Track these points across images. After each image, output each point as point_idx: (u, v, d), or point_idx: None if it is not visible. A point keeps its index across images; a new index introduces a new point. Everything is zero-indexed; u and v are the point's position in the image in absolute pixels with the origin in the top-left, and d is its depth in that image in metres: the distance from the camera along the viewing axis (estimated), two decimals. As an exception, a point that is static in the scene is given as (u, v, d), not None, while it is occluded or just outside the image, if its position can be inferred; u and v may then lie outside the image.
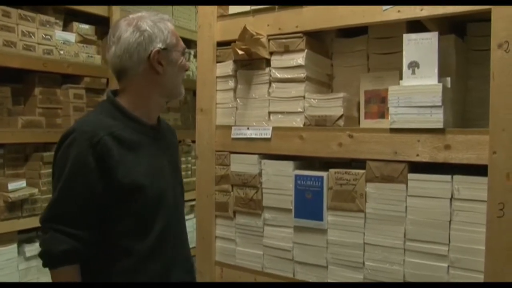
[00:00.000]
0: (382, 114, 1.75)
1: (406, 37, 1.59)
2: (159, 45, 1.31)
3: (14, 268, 2.57)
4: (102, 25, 3.06)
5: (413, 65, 1.58)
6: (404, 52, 1.59)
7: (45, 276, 2.38)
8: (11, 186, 2.47)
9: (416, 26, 1.67)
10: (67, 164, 1.23)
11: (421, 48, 1.56)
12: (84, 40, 2.91)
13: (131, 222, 1.28)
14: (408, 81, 1.58)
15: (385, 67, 1.80)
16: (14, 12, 2.58)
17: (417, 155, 1.55)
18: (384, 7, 1.61)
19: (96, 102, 3.06)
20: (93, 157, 1.22)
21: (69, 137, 1.25)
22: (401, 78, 1.63)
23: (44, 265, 1.25)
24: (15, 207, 2.53)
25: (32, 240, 2.63)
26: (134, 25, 1.30)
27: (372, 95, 1.79)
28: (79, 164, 1.22)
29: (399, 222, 1.59)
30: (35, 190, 2.57)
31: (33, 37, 2.65)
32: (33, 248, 2.55)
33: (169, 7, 3.46)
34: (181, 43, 1.40)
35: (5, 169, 2.64)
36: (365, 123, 1.80)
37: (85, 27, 2.93)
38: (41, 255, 1.25)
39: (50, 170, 1.56)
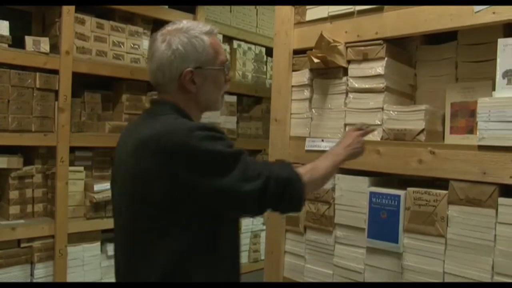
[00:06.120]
0: (471, 130, 1.56)
1: (502, 42, 1.40)
2: (192, 65, 1.26)
3: (97, 265, 2.71)
4: (188, 35, 3.14)
5: (509, 74, 1.39)
6: (498, 60, 1.41)
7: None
8: (97, 187, 2.61)
9: (514, 30, 1.48)
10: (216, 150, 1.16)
11: (519, 55, 1.37)
12: (170, 49, 3.00)
13: None
14: (502, 92, 1.39)
15: (476, 76, 1.61)
16: (106, 24, 2.74)
17: (510, 177, 1.35)
18: (476, 8, 1.44)
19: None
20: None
21: (168, 142, 1.14)
22: (494, 89, 1.45)
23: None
24: (100, 207, 2.68)
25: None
26: (167, 42, 1.25)
27: (460, 107, 1.61)
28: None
29: (486, 252, 1.39)
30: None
31: (122, 46, 2.80)
32: (114, 248, 2.69)
33: (254, 16, 3.47)
34: (221, 57, 1.33)
35: (93, 171, 2.81)
36: (451, 138, 1.62)
37: (171, 36, 3.02)
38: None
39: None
